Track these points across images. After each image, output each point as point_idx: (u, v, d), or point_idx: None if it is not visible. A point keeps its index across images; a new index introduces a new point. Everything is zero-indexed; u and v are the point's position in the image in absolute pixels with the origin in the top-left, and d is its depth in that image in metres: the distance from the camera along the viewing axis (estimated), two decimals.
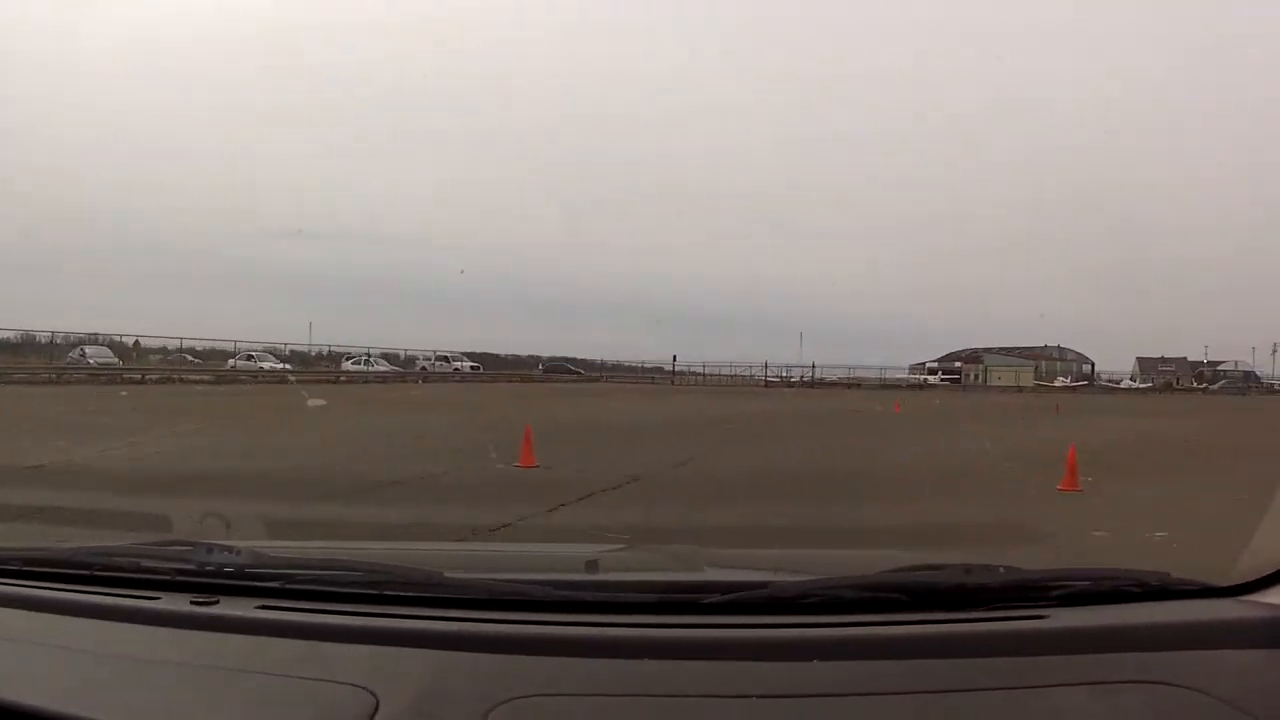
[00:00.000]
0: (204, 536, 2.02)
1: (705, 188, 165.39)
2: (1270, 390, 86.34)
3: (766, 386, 69.97)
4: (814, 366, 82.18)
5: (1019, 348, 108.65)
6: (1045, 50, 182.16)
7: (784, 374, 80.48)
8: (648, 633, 1.47)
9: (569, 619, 1.51)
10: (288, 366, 55.06)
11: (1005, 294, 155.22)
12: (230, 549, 1.78)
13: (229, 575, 1.67)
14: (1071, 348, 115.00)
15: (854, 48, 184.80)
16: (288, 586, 1.63)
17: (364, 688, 1.29)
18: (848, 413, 30.21)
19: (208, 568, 1.69)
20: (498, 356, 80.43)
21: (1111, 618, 1.52)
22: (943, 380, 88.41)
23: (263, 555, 1.80)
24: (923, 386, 75.06)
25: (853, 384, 75.97)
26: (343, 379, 52.76)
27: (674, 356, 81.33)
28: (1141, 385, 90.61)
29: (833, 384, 76.03)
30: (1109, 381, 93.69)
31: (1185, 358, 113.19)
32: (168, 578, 1.67)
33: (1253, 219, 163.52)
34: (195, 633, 1.51)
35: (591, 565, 1.95)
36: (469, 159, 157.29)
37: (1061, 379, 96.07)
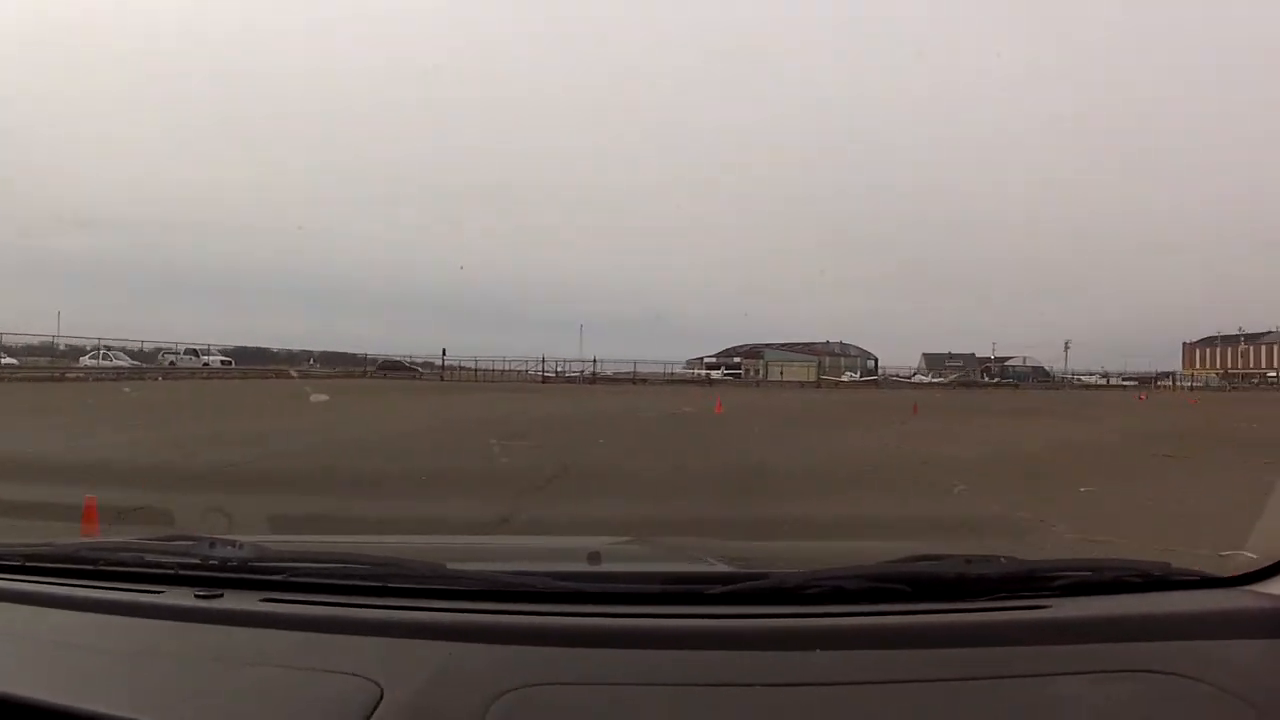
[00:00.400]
0: (207, 531, 2.02)
1: (490, 180, 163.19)
2: (1068, 384, 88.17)
3: (544, 382, 64.75)
4: (595, 361, 77.01)
5: (800, 343, 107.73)
6: (834, 51, 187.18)
7: (561, 369, 74.18)
8: (650, 623, 1.48)
9: (572, 610, 1.52)
10: (14, 362, 49.69)
11: (786, 291, 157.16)
12: (233, 543, 1.78)
13: (233, 569, 1.68)
14: (854, 343, 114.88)
15: (622, 45, 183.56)
16: (291, 579, 1.63)
17: (368, 678, 1.30)
18: (665, 417, 22.94)
19: (211, 562, 1.70)
20: (268, 351, 73.35)
21: (1112, 608, 1.53)
22: (726, 375, 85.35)
23: (266, 549, 1.80)
24: (709, 382, 71.03)
25: (639, 380, 71.16)
26: (71, 376, 44.92)
27: (443, 350, 74.30)
28: (936, 380, 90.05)
29: (614, 379, 70.98)
30: (899, 377, 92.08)
31: (974, 353, 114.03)
32: (172, 572, 1.68)
33: (1041, 219, 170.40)
34: (200, 626, 1.52)
35: (594, 557, 1.93)
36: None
37: (849, 374, 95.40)
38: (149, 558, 1.75)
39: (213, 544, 1.77)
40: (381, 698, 1.27)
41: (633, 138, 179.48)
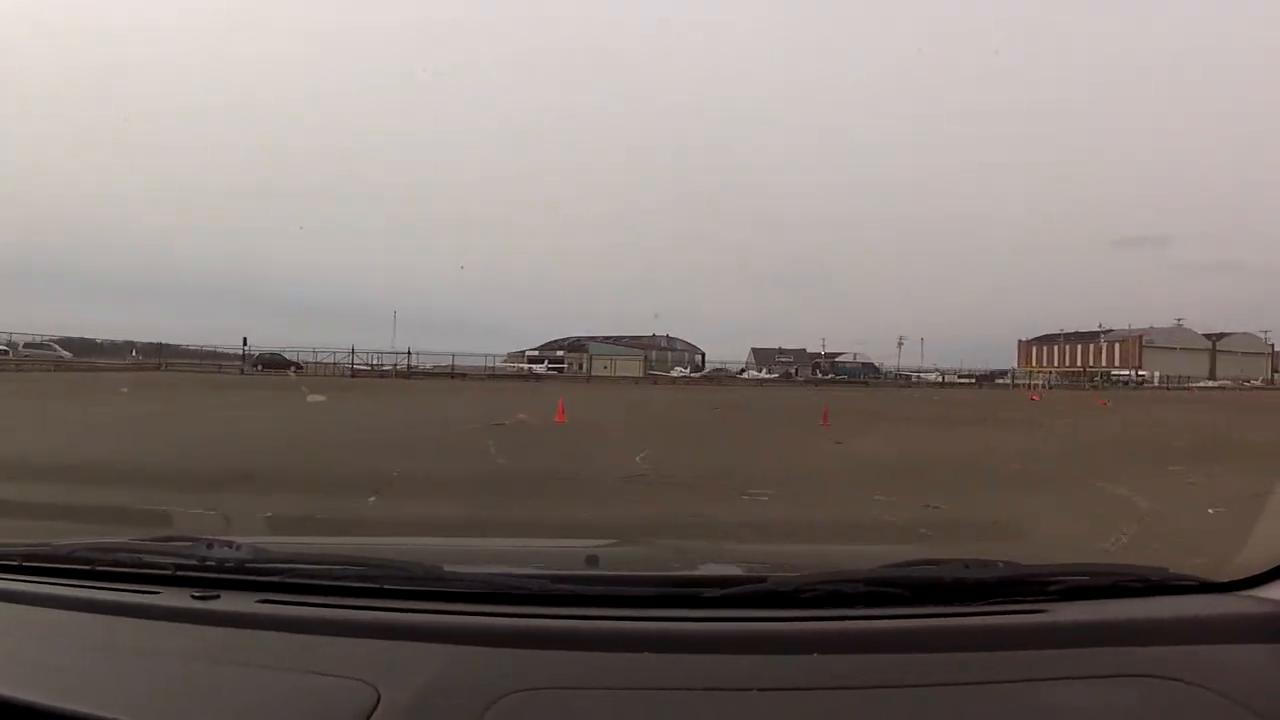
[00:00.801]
0: (205, 532, 2.01)
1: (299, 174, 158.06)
2: (903, 380, 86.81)
3: (354, 376, 58.53)
4: (410, 353, 71.18)
5: (627, 336, 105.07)
6: (654, 48, 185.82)
7: (376, 361, 68.72)
8: (648, 626, 1.48)
9: (569, 613, 1.52)
10: None
11: (611, 285, 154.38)
12: (231, 544, 1.78)
13: (230, 570, 1.68)
14: (680, 337, 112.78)
15: (448, 41, 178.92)
16: (288, 581, 1.63)
17: (365, 681, 1.30)
18: (494, 430, 15.26)
19: (208, 563, 1.69)
20: (93, 342, 66.42)
21: (1110, 613, 1.53)
22: (550, 370, 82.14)
23: (263, 550, 1.80)
24: (534, 378, 66.51)
25: (457, 374, 65.08)
26: None
27: (244, 339, 66.47)
28: (768, 376, 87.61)
29: (431, 374, 64.74)
30: (729, 372, 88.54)
31: (804, 349, 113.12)
32: (169, 573, 1.67)
33: (873, 218, 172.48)
34: (196, 627, 1.51)
35: (592, 560, 1.94)
36: None
37: (679, 369, 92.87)
38: (146, 558, 1.73)
39: (210, 545, 1.76)
40: (378, 701, 1.26)
41: (455, 126, 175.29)
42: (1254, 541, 1.86)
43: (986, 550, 1.96)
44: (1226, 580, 1.65)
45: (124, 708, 1.30)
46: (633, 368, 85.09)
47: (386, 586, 1.61)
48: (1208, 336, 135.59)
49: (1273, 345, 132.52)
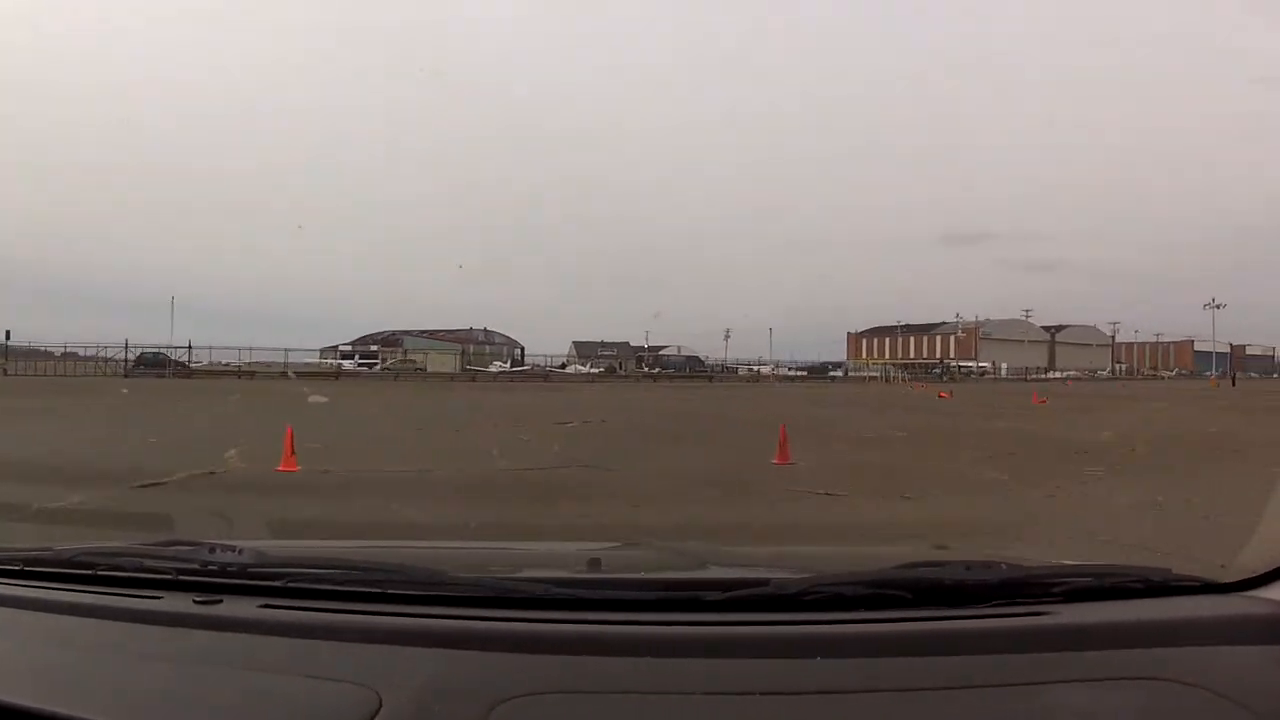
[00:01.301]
0: (206, 536, 2.01)
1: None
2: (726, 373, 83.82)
3: (127, 376, 51.73)
4: (190, 347, 61.79)
5: (444, 330, 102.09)
6: (490, 44, 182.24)
7: (158, 354, 59.50)
8: (650, 630, 1.47)
9: (571, 617, 1.51)
10: None
11: (428, 278, 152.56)
12: (233, 548, 1.78)
13: (232, 574, 1.67)
14: (500, 330, 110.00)
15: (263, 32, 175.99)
16: (290, 585, 1.63)
17: (367, 686, 1.30)
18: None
19: (210, 567, 1.69)
20: None
21: (1114, 614, 1.52)
22: (359, 365, 77.86)
23: (265, 554, 1.80)
24: (336, 375, 58.78)
25: (244, 373, 56.85)
26: None
27: (6, 333, 57.87)
28: (592, 370, 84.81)
29: (215, 372, 57.05)
30: (550, 367, 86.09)
31: (628, 342, 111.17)
32: (171, 577, 1.67)
33: (698, 214, 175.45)
34: (198, 632, 1.51)
35: (594, 564, 1.93)
36: None
37: (499, 363, 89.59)
38: (148, 563, 1.73)
39: (212, 549, 1.77)
40: (380, 705, 1.26)
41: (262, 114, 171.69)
42: (1255, 542, 1.81)
43: (988, 552, 1.97)
44: (1228, 581, 1.64)
45: (126, 712, 1.31)
46: (448, 362, 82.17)
47: (388, 591, 1.60)
48: (1047, 329, 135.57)
49: (1113, 337, 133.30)
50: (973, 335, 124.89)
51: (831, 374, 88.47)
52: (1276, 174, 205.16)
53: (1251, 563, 1.66)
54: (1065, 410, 26.37)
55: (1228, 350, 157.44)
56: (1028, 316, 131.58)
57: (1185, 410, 27.48)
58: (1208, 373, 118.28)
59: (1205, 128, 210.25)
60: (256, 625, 1.50)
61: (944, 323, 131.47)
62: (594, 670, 1.36)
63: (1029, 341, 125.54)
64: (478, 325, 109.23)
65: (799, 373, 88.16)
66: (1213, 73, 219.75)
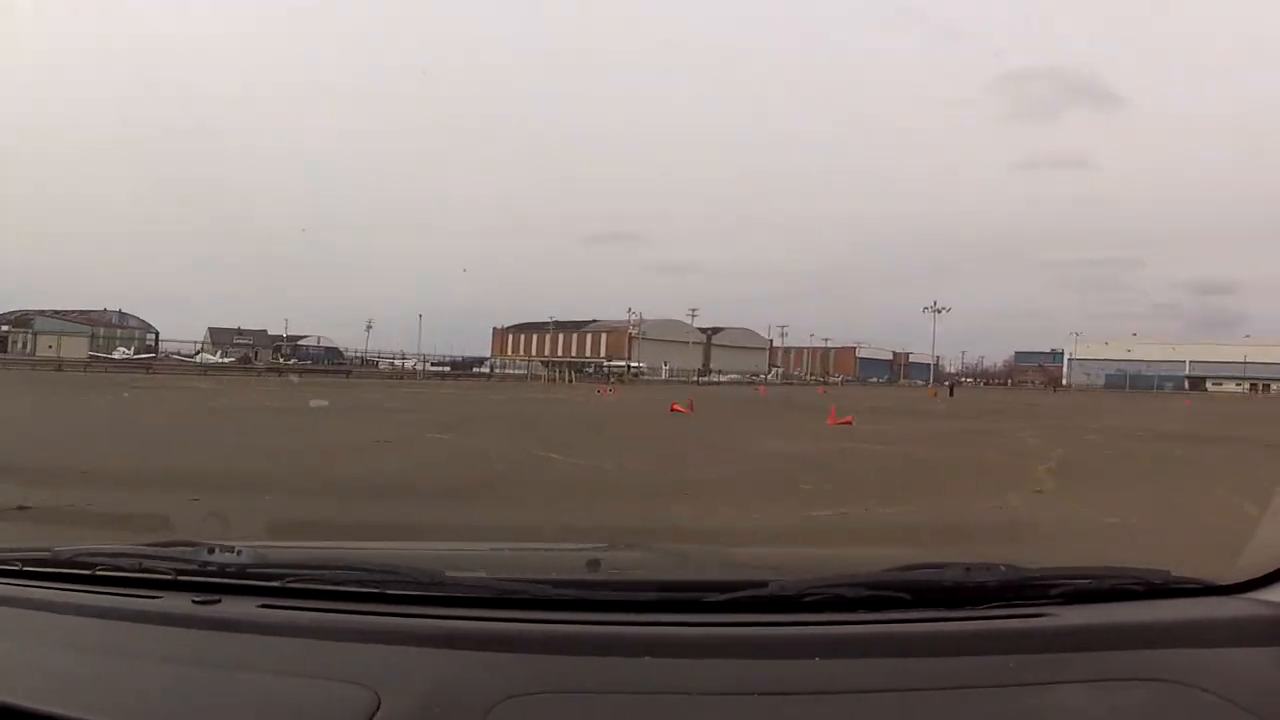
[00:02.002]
0: (205, 536, 2.01)
1: None
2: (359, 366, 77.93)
3: None
4: None
5: (76, 311, 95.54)
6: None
7: None
8: (650, 631, 1.48)
9: (570, 617, 1.51)
10: None
11: (63, 263, 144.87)
12: (232, 548, 1.79)
13: (231, 574, 1.68)
14: (134, 314, 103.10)
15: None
16: (289, 585, 1.63)
17: (365, 686, 1.30)
18: None
19: (209, 567, 1.70)
20: None
21: (1112, 616, 1.53)
22: None
23: (264, 554, 1.81)
24: None
25: None
26: None
27: None
28: (225, 360, 76.70)
29: None
30: (180, 355, 78.94)
31: (265, 330, 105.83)
32: (170, 577, 1.67)
33: (343, 197, 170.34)
34: (197, 632, 1.51)
35: (593, 564, 1.94)
36: None
37: (122, 349, 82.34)
38: (147, 563, 1.73)
39: (211, 549, 1.78)
40: (379, 706, 1.26)
41: None
42: (1256, 544, 1.82)
43: (987, 553, 1.91)
44: (1228, 583, 1.64)
45: (124, 713, 1.31)
46: (78, 347, 74.58)
47: (387, 591, 1.60)
48: (704, 330, 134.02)
49: (771, 341, 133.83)
50: (626, 334, 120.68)
51: (475, 370, 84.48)
52: (908, 186, 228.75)
53: (1252, 564, 1.67)
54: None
55: (890, 357, 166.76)
56: (693, 317, 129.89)
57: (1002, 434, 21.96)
58: (920, 380, 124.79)
59: (852, 136, 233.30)
60: (255, 625, 1.50)
61: (596, 320, 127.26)
62: (593, 670, 1.37)
63: (687, 343, 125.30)
64: (114, 306, 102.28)
65: (442, 368, 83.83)
66: (858, 83, 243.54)
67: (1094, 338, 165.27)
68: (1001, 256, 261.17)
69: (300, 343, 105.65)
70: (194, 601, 1.58)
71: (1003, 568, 1.69)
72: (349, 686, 1.30)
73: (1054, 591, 1.56)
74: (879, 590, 1.53)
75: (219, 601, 1.58)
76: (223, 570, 1.68)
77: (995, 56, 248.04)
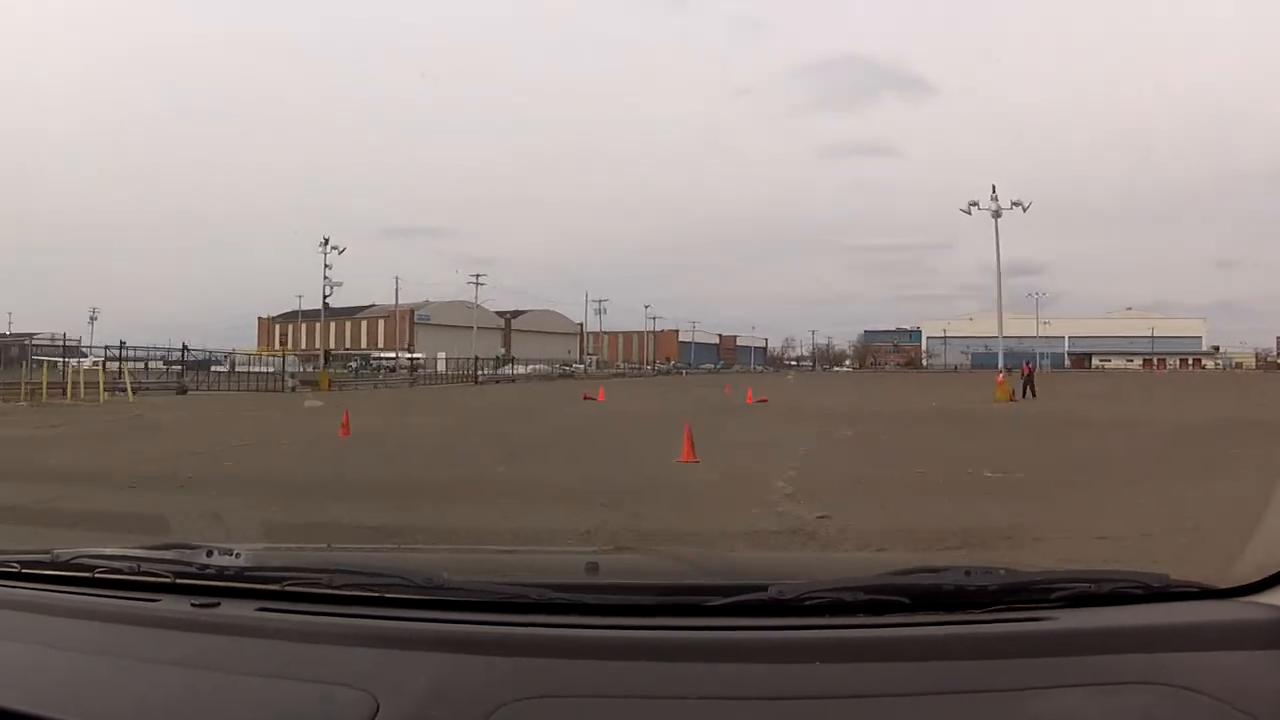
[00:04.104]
0: (204, 539, 2.01)
1: None
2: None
3: None
4: None
5: None
6: None
7: None
8: (648, 635, 1.47)
9: (569, 621, 1.51)
10: None
11: None
12: (230, 551, 1.80)
13: (229, 577, 1.68)
14: None
15: None
16: (287, 589, 1.63)
17: (364, 689, 1.29)
18: None
19: (208, 570, 1.70)
20: None
21: (1112, 619, 1.53)
22: None
23: (263, 558, 1.82)
24: None
25: None
26: None
27: None
28: None
29: None
30: None
31: None
32: (168, 580, 1.67)
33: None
34: (195, 635, 1.51)
35: (591, 568, 1.93)
36: None
37: None
38: (145, 566, 1.73)
39: (209, 552, 1.78)
40: (377, 709, 1.26)
41: None
42: (1256, 547, 1.80)
43: (987, 557, 1.96)
44: (1228, 586, 1.64)
45: (123, 716, 1.31)
46: None
47: (386, 595, 1.60)
48: (501, 314, 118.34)
49: (583, 324, 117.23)
50: (406, 320, 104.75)
51: (215, 368, 67.82)
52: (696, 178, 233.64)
53: (1251, 568, 1.67)
54: None
55: (716, 341, 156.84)
56: (477, 301, 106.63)
57: None
58: (758, 366, 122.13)
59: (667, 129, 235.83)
60: (253, 628, 1.51)
61: (373, 305, 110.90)
62: (593, 674, 1.38)
63: (477, 328, 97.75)
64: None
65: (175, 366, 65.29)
66: (659, 71, 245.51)
67: (902, 319, 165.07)
68: (811, 242, 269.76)
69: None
70: (192, 605, 1.58)
71: (1002, 571, 1.69)
72: (347, 690, 1.30)
73: (1054, 595, 1.57)
74: (878, 594, 1.53)
75: (218, 605, 1.58)
76: (221, 573, 1.68)
77: (800, 44, 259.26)
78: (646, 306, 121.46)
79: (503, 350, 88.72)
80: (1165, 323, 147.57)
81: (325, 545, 2.77)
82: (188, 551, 1.81)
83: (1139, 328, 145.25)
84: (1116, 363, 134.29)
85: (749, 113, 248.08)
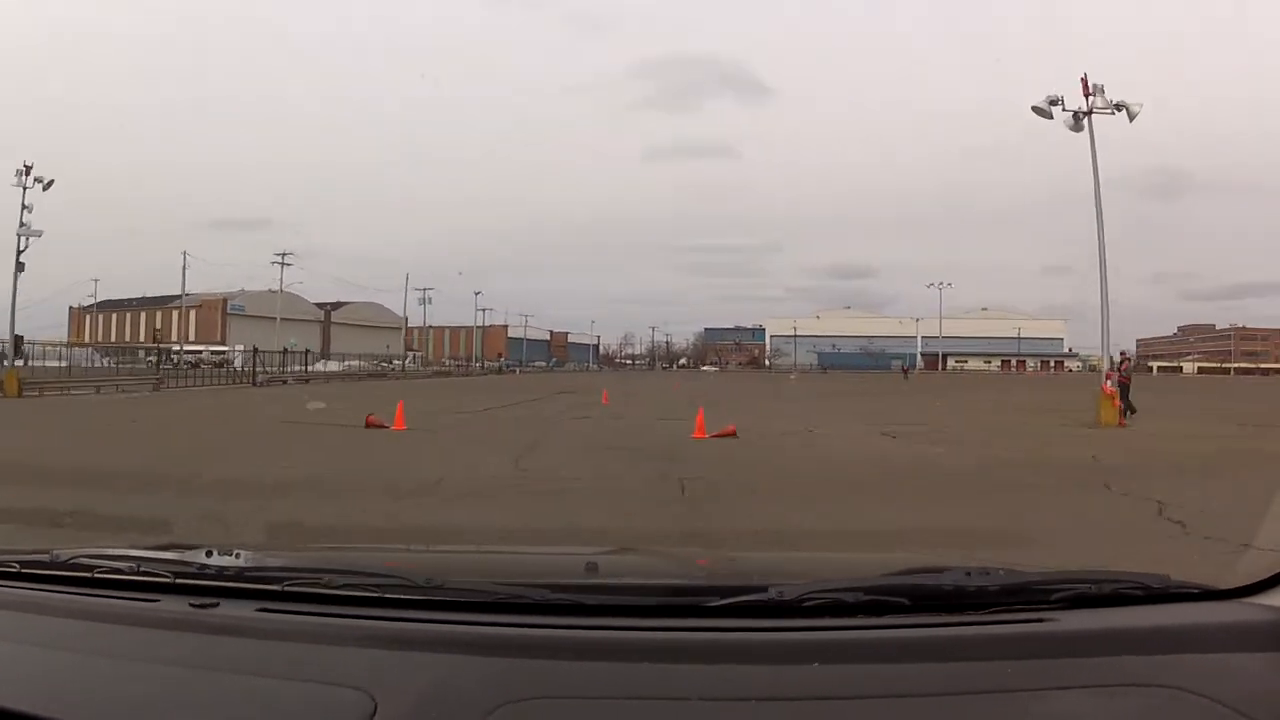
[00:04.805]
0: (204, 539, 2.02)
1: None
2: None
3: None
4: None
5: None
6: None
7: None
8: (648, 635, 1.47)
9: (569, 622, 1.51)
10: None
11: None
12: (230, 551, 1.80)
13: (229, 578, 1.68)
14: None
15: None
16: (287, 589, 1.62)
17: (362, 690, 1.29)
18: None
19: (208, 570, 1.70)
20: None
21: (1112, 621, 1.52)
22: None
23: (262, 558, 1.82)
24: None
25: None
26: None
27: None
28: None
29: None
30: None
31: None
32: (168, 580, 1.67)
33: None
34: (195, 635, 1.50)
35: (591, 568, 1.93)
36: None
37: None
38: (145, 566, 1.72)
39: (209, 553, 1.78)
40: (376, 710, 1.26)
41: None
42: (1256, 548, 1.79)
43: (987, 558, 1.94)
44: (1229, 587, 1.63)
45: (121, 716, 1.31)
46: None
47: (386, 595, 1.60)
48: (321, 305, 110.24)
49: (407, 318, 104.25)
50: (218, 309, 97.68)
51: None
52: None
53: (1252, 569, 1.67)
54: None
55: (548, 337, 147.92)
56: (301, 291, 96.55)
57: None
58: (591, 364, 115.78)
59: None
60: (253, 629, 1.51)
61: (187, 294, 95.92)
62: (592, 675, 1.37)
63: (295, 320, 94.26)
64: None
65: None
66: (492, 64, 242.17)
67: (737, 320, 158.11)
68: (644, 243, 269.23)
69: None
70: (192, 605, 1.58)
71: (1002, 572, 1.69)
72: (346, 690, 1.30)
73: (1054, 596, 1.57)
74: (878, 595, 1.53)
75: (217, 605, 1.59)
76: (221, 574, 1.68)
77: (635, 43, 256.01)
78: (477, 293, 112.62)
79: (294, 345, 72.61)
80: (1027, 324, 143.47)
81: (325, 546, 2.72)
82: (187, 552, 1.80)
83: (998, 328, 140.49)
84: (974, 364, 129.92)
85: (585, 111, 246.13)
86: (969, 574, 1.64)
